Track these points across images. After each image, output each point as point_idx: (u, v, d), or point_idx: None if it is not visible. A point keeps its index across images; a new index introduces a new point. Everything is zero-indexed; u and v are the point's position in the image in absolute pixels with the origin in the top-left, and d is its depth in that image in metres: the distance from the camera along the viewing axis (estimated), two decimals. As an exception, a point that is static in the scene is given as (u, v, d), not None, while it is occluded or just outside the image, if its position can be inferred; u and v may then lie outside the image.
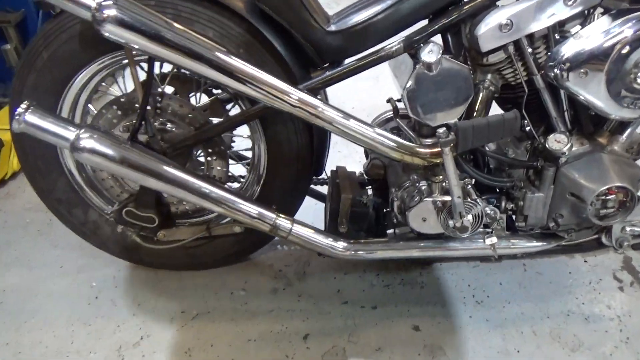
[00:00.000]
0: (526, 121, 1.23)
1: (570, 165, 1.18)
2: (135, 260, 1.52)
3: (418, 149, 1.14)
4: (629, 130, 1.17)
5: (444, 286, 1.51)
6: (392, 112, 1.39)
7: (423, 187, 1.21)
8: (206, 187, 1.16)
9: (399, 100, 1.38)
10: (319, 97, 1.13)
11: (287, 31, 1.16)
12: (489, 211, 1.23)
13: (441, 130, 1.03)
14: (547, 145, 1.17)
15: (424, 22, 1.16)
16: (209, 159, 1.32)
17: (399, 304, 1.45)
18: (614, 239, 1.25)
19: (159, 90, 1.26)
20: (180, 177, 1.15)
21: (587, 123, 1.20)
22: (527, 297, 1.47)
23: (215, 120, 1.30)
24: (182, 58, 1.04)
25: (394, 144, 1.14)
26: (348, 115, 1.12)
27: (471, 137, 1.03)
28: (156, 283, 1.52)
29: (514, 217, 1.32)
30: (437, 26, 1.12)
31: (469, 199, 1.17)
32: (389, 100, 1.41)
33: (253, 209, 1.20)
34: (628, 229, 1.22)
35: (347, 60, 1.18)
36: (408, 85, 1.12)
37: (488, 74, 1.18)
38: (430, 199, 1.19)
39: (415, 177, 1.24)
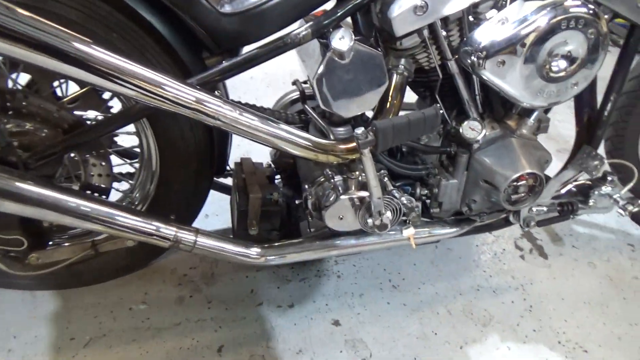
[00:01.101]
0: (439, 105, 1.18)
1: (482, 151, 1.16)
2: (5, 285, 1.27)
3: (333, 147, 1.04)
4: (535, 113, 1.16)
5: (361, 274, 1.47)
6: (298, 94, 1.26)
7: (338, 183, 1.12)
8: (83, 205, 0.96)
9: (305, 82, 1.25)
10: (217, 92, 0.96)
11: (173, 11, 0.96)
12: (405, 201, 1.18)
13: (359, 131, 0.93)
14: (461, 133, 1.13)
15: (332, 4, 1.03)
16: (85, 163, 1.10)
17: (317, 298, 1.38)
18: (521, 219, 1.27)
19: (9, 81, 1.00)
20: (44, 195, 0.92)
21: (498, 108, 1.18)
22: (440, 276, 1.49)
23: (92, 115, 1.08)
24: (19, 49, 0.79)
25: (306, 143, 1.02)
26: (250, 112, 0.97)
27: (391, 137, 0.94)
28: (35, 307, 1.29)
29: (427, 202, 1.30)
30: (347, 8, 0.99)
31: (386, 194, 1.11)
32: (294, 83, 1.27)
33: (147, 225, 1.02)
34: (535, 209, 1.25)
35: (248, 48, 1.02)
36: (318, 75, 1.00)
37: (402, 59, 1.10)
38: (347, 196, 1.10)
39: (329, 171, 1.14)
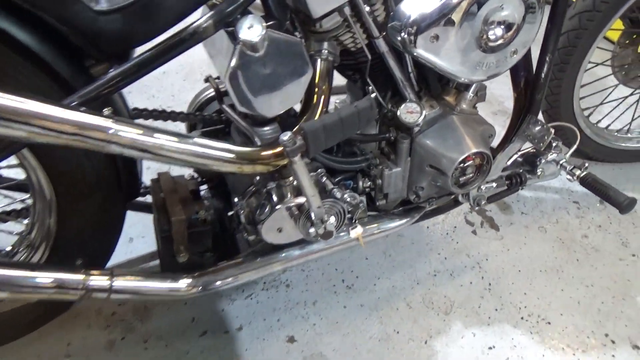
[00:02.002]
0: (371, 87, 1.06)
1: (424, 134, 1.06)
2: None
3: (258, 154, 0.89)
4: (473, 86, 1.07)
5: (311, 278, 1.36)
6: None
7: (271, 192, 0.98)
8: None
9: (218, 78, 1.10)
10: (107, 110, 0.78)
11: (37, 16, 0.77)
12: (348, 199, 1.07)
13: (285, 137, 0.79)
14: (400, 118, 1.02)
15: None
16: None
17: (267, 315, 1.26)
18: (471, 199, 1.20)
19: None
20: None
21: (435, 84, 1.08)
22: (394, 267, 1.40)
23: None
24: None
25: (225, 155, 0.86)
26: (151, 130, 0.80)
27: (323, 139, 0.81)
28: None
29: (372, 193, 1.19)
30: (252, -10, 0.84)
31: (327, 197, 0.99)
32: (207, 80, 1.11)
33: (46, 279, 0.84)
34: (483, 187, 1.18)
35: (140, 49, 0.84)
36: (229, 72, 0.85)
37: (324, 42, 0.96)
38: (283, 206, 0.97)
39: (260, 179, 1.00)
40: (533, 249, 1.47)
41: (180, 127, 1.25)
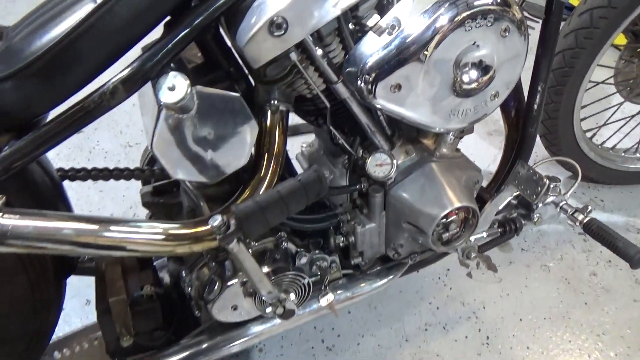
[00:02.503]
0: (333, 131, 0.92)
1: (399, 186, 0.92)
2: None
3: (193, 233, 0.75)
4: (455, 127, 0.93)
5: (287, 340, 1.22)
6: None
7: (223, 266, 0.85)
8: None
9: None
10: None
11: None
12: (315, 265, 0.94)
13: (216, 222, 0.65)
14: (368, 172, 0.88)
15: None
16: None
17: (236, 389, 1.12)
18: (459, 251, 1.06)
19: None
20: None
21: (409, 128, 0.94)
22: (380, 321, 1.26)
23: None
24: None
25: (153, 237, 0.73)
26: (58, 217, 0.67)
27: (263, 220, 0.68)
28: None
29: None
30: (177, 39, 0.70)
31: (288, 267, 0.85)
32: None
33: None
34: (472, 238, 1.03)
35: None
36: (154, 140, 0.71)
37: (273, 91, 0.82)
38: (236, 281, 0.84)
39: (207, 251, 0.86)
40: (536, 293, 1.32)
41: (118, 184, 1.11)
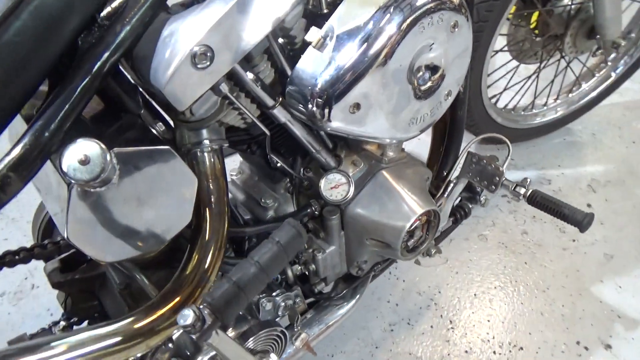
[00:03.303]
0: (273, 157, 0.82)
1: (355, 202, 0.84)
2: None
3: (154, 323, 0.61)
4: (396, 127, 0.87)
5: (254, 385, 1.10)
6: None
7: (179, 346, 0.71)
8: None
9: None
10: None
11: None
12: (282, 303, 0.84)
13: (188, 319, 0.52)
14: (324, 198, 0.79)
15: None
16: None
17: None
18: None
19: None
20: None
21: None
22: (345, 334, 1.19)
23: None
24: None
25: (107, 345, 0.57)
26: None
27: (242, 301, 0.55)
28: None
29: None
30: (75, 94, 0.53)
31: (259, 327, 0.74)
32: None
33: None
34: (430, 235, 1.00)
35: None
36: (70, 226, 0.55)
37: (202, 130, 0.69)
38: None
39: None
40: (480, 264, 1.35)
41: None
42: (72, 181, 0.52)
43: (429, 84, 0.68)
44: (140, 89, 0.69)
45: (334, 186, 0.79)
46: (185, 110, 0.63)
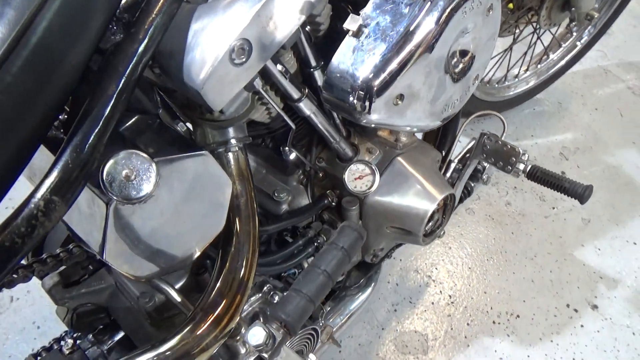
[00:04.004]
0: (287, 149, 0.78)
1: (374, 192, 0.82)
2: None
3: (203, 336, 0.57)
4: (409, 111, 0.85)
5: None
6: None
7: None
8: None
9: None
10: None
11: None
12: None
13: (259, 339, 0.48)
14: (348, 189, 0.77)
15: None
16: None
17: None
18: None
19: None
20: None
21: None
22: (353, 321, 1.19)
23: None
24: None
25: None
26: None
27: (311, 311, 0.53)
28: None
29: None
30: (112, 101, 0.47)
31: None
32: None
33: None
34: (439, 216, 1.00)
35: None
36: (109, 246, 0.50)
37: (228, 130, 0.64)
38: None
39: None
40: (471, 237, 1.38)
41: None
42: (114, 198, 0.47)
43: (461, 65, 0.66)
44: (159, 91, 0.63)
45: (358, 177, 0.76)
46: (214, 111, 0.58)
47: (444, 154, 1.05)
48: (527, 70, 1.72)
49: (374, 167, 0.77)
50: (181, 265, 0.60)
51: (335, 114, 0.77)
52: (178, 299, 0.66)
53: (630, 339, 1.19)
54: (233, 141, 0.64)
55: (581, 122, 1.76)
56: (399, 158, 0.84)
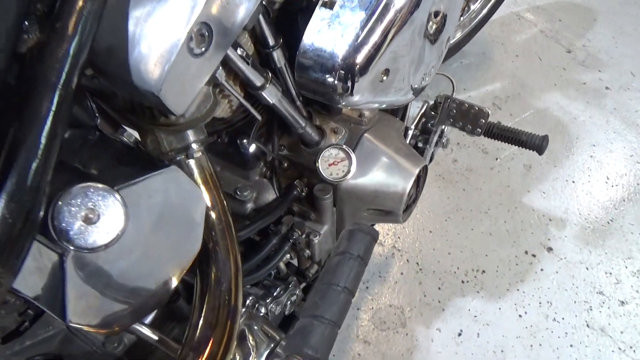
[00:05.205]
0: (246, 142, 0.70)
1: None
2: None
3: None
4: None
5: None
6: None
7: None
8: None
9: None
10: None
11: None
12: (288, 302, 0.76)
13: None
14: (323, 178, 0.70)
15: None
16: None
17: None
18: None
19: None
20: None
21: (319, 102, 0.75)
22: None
23: None
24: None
25: None
26: None
27: (336, 334, 0.45)
28: None
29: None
30: (48, 123, 0.36)
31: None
32: None
33: None
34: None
35: None
36: (72, 308, 0.39)
37: (187, 133, 0.54)
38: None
39: None
40: (427, 200, 1.37)
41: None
42: (71, 248, 0.36)
43: (435, 27, 0.60)
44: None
45: (332, 163, 0.69)
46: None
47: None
48: (452, 24, 1.71)
49: (348, 151, 0.70)
50: (159, 303, 0.50)
51: (295, 96, 0.68)
52: (154, 337, 0.56)
53: (585, 274, 1.25)
54: (194, 145, 0.54)
55: (506, 70, 1.80)
56: (367, 135, 0.77)
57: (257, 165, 0.78)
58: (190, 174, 0.55)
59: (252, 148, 0.73)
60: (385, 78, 0.53)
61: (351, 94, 0.53)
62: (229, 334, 0.54)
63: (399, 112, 1.02)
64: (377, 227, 1.29)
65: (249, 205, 0.77)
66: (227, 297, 0.55)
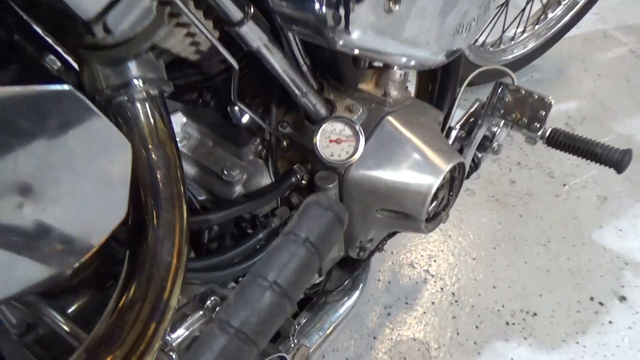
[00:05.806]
0: (238, 108, 0.57)
1: (358, 162, 0.60)
2: None
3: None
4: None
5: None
6: None
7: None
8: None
9: None
10: None
11: None
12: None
13: None
14: (323, 160, 0.55)
15: None
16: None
17: None
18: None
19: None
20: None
21: (350, 69, 0.61)
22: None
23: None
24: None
25: None
26: None
27: (250, 353, 0.31)
28: None
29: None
30: None
31: None
32: None
33: None
34: (441, 195, 0.79)
35: None
36: None
37: (131, 65, 0.41)
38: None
39: None
40: (473, 222, 1.18)
41: None
42: None
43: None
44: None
45: (335, 140, 0.54)
46: (95, 21, 0.35)
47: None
48: (523, 31, 1.52)
49: (357, 127, 0.55)
50: (57, 277, 0.37)
51: (300, 57, 0.55)
52: (65, 327, 0.43)
53: (668, 334, 1.00)
54: (137, 83, 0.41)
55: (584, 90, 1.57)
56: (390, 117, 0.62)
57: (252, 142, 0.64)
58: (131, 120, 0.42)
59: (245, 118, 0.60)
60: (394, 7, 0.38)
61: (347, 27, 0.38)
62: (152, 335, 0.40)
63: (444, 106, 0.86)
64: (409, 244, 1.12)
65: (237, 189, 0.64)
66: (159, 285, 0.42)
